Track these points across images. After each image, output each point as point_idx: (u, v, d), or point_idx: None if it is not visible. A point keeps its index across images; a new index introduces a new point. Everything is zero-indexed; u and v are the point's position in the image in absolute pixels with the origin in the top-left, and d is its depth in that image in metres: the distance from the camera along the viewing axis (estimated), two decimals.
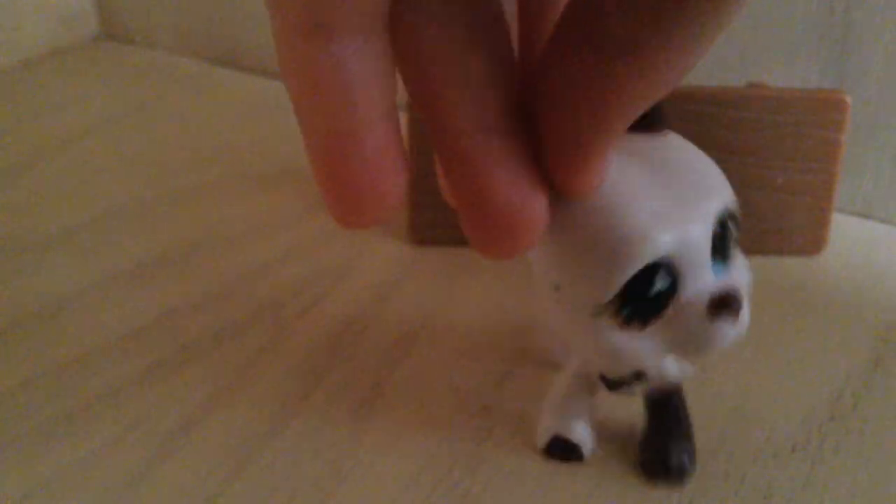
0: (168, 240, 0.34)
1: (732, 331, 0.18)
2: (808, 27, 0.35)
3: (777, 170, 0.32)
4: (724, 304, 0.17)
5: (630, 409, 0.24)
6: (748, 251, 0.33)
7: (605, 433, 0.24)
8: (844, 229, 0.35)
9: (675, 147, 0.19)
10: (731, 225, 0.18)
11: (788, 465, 0.24)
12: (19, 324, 0.29)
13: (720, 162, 0.32)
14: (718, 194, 0.18)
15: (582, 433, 0.23)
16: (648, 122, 0.18)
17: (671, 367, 0.21)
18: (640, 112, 0.15)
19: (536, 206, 0.16)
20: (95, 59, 0.53)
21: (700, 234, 0.17)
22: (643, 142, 0.18)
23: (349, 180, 0.15)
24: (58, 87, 0.49)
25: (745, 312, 0.18)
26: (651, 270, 0.17)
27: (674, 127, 0.32)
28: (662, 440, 0.23)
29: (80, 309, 0.30)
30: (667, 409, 0.22)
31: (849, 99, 0.31)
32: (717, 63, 0.37)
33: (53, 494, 0.23)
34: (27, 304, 0.30)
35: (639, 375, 0.21)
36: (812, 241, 0.33)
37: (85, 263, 0.33)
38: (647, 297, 0.17)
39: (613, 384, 0.21)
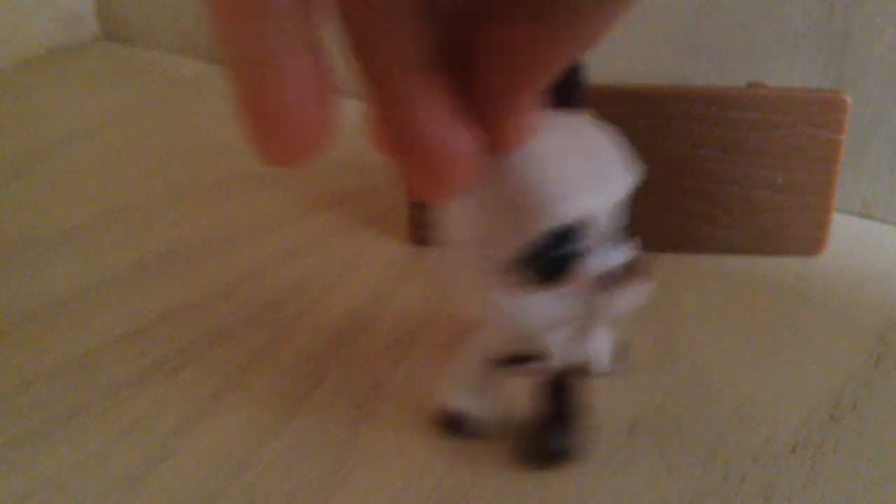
0: (168, 240, 0.34)
1: (637, 294, 0.19)
2: (809, 28, 0.35)
3: (777, 170, 0.32)
4: (630, 269, 0.19)
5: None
6: (748, 251, 0.33)
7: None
8: (844, 229, 0.35)
9: (590, 124, 0.20)
10: (625, 208, 0.19)
11: (788, 464, 0.24)
12: (19, 324, 0.29)
13: (720, 161, 0.32)
14: (625, 177, 0.19)
15: (476, 410, 0.24)
16: (573, 101, 0.19)
17: (564, 352, 0.22)
18: (556, 71, 0.15)
19: (464, 140, 0.16)
20: (95, 60, 0.53)
21: (609, 208, 0.18)
22: (566, 118, 0.19)
23: (271, 111, 0.14)
24: (57, 87, 0.49)
25: (643, 283, 0.19)
26: (562, 232, 0.18)
27: (673, 125, 0.32)
28: (559, 426, 0.23)
29: (80, 309, 0.30)
30: (562, 391, 0.23)
31: (849, 99, 0.31)
32: (718, 63, 0.38)
33: (54, 494, 0.23)
34: (27, 304, 0.30)
35: (527, 357, 0.22)
36: (812, 241, 0.33)
37: (85, 263, 0.33)
38: (555, 257, 0.18)
39: (502, 362, 0.22)
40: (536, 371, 0.22)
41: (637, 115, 0.32)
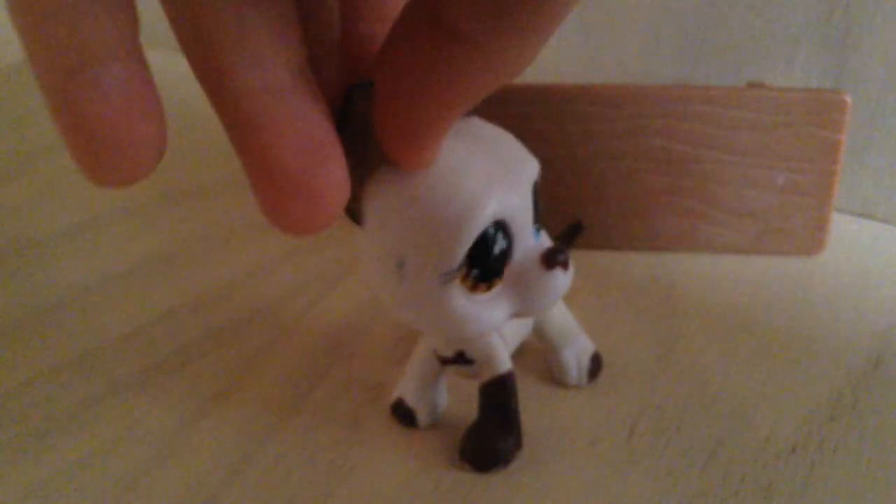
0: (168, 240, 0.34)
1: (566, 282, 0.19)
2: (808, 28, 0.35)
3: (777, 170, 0.32)
4: (555, 257, 0.19)
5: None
6: (748, 251, 0.34)
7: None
8: (844, 229, 0.35)
9: (481, 125, 0.20)
10: (538, 191, 0.20)
11: (788, 464, 0.24)
12: (19, 324, 0.30)
13: (720, 161, 0.32)
14: (530, 165, 0.19)
15: (420, 401, 0.24)
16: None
17: (500, 356, 0.22)
18: (480, 98, 0.15)
19: (334, 170, 0.15)
20: None
21: (523, 199, 0.19)
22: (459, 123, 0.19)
23: (89, 126, 0.13)
24: None
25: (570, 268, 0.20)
26: (491, 232, 0.18)
27: (673, 125, 0.32)
28: (484, 429, 0.23)
29: (80, 309, 0.30)
30: (494, 399, 0.23)
31: (849, 99, 0.31)
32: (718, 63, 0.38)
33: (54, 494, 0.23)
34: (27, 303, 0.31)
35: (460, 356, 0.22)
36: (812, 241, 0.33)
37: (85, 263, 0.33)
38: (490, 257, 0.18)
39: (445, 360, 0.23)
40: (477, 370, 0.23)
41: (637, 115, 0.32)
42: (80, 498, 0.23)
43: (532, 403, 0.26)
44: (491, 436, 0.23)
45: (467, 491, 0.23)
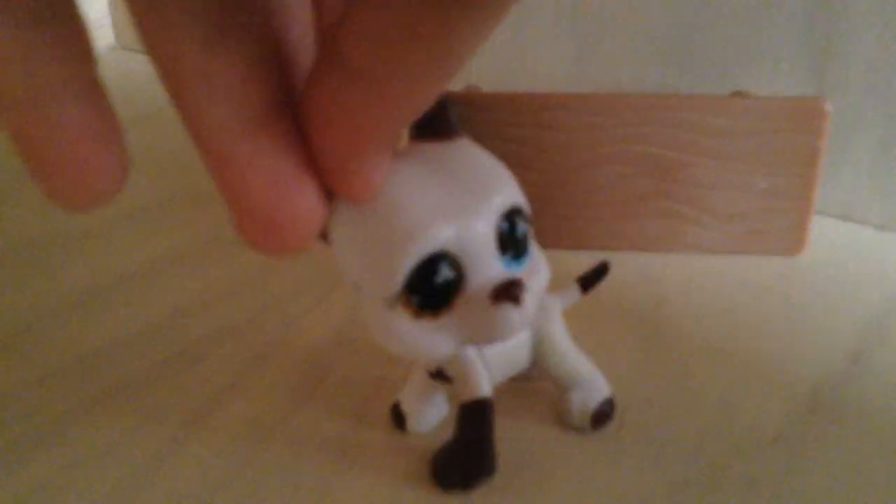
0: (178, 240, 0.35)
1: (515, 316, 0.18)
2: (792, 38, 0.35)
3: (760, 174, 0.33)
4: (504, 292, 0.18)
5: None
6: (732, 251, 0.34)
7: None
8: (824, 230, 0.35)
9: (462, 151, 0.19)
10: (519, 222, 0.19)
11: (771, 455, 0.24)
12: (28, 324, 0.30)
13: (706, 167, 0.33)
14: (501, 193, 0.18)
15: (412, 406, 0.25)
16: (435, 130, 0.19)
17: (478, 380, 0.22)
18: (391, 132, 0.15)
19: (301, 203, 0.15)
20: (110, 68, 0.53)
21: (482, 229, 0.18)
22: (428, 148, 0.19)
23: (43, 158, 0.13)
24: None
25: (530, 301, 0.18)
26: (434, 262, 0.18)
27: (660, 132, 0.32)
28: (454, 450, 0.23)
29: (92, 308, 0.31)
30: (468, 422, 0.22)
31: (829, 107, 0.31)
32: (704, 72, 0.38)
33: (64, 488, 0.23)
34: (36, 304, 0.31)
35: (440, 373, 0.22)
36: (793, 242, 0.34)
37: (94, 264, 0.33)
38: (433, 287, 0.18)
39: (430, 374, 0.23)
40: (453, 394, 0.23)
41: (624, 123, 0.32)
42: (91, 492, 0.23)
43: (530, 398, 0.26)
44: (458, 458, 0.23)
45: None
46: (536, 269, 0.20)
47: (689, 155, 0.33)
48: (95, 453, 0.24)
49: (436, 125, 0.19)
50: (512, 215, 0.19)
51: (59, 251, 0.34)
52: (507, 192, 0.19)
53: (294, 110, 0.15)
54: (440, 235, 0.17)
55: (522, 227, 0.19)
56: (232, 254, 0.34)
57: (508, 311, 0.18)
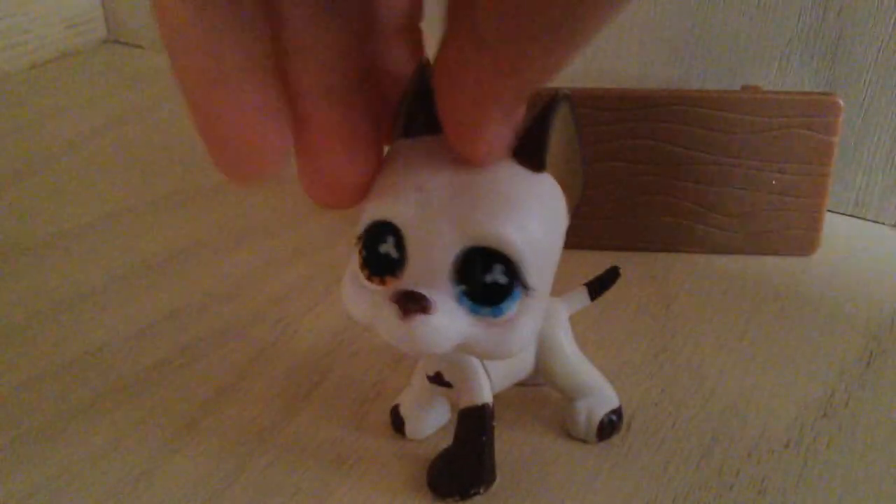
0: (173, 240, 0.35)
1: (400, 330, 0.17)
2: (802, 31, 0.35)
3: (771, 171, 0.32)
4: (399, 298, 0.17)
5: None
6: (743, 251, 0.34)
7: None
8: (837, 229, 0.35)
9: (511, 182, 0.17)
10: (498, 272, 0.17)
11: (782, 460, 0.24)
12: (26, 323, 0.30)
13: (715, 163, 0.33)
14: (502, 227, 0.17)
15: (410, 408, 0.24)
16: (529, 155, 0.18)
17: (478, 386, 0.21)
18: (515, 102, 0.16)
19: (358, 172, 0.17)
20: (102, 63, 0.53)
21: (444, 238, 0.17)
22: (492, 167, 0.18)
23: (223, 133, 0.15)
24: (66, 91, 0.49)
25: (433, 326, 0.17)
26: (386, 230, 0.18)
27: (669, 128, 0.32)
28: (451, 457, 0.23)
29: (87, 308, 0.31)
30: (467, 428, 0.22)
31: (841, 101, 0.31)
32: (713, 67, 0.38)
33: (61, 490, 0.23)
34: (34, 304, 0.31)
35: (438, 377, 0.22)
36: (806, 241, 0.33)
37: (92, 263, 0.33)
38: (372, 251, 0.18)
39: (429, 378, 0.23)
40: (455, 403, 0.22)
41: (633, 118, 0.32)
42: (88, 494, 0.23)
43: (529, 399, 0.26)
44: (455, 466, 0.22)
45: None
46: (502, 331, 0.18)
47: (698, 151, 0.32)
48: (90, 457, 0.24)
49: (530, 150, 0.18)
50: (491, 256, 0.17)
51: (51, 252, 0.34)
52: (507, 231, 0.17)
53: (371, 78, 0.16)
54: (398, 211, 0.17)
55: (498, 277, 0.17)
56: (229, 254, 0.34)
57: (396, 322, 0.17)
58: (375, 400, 0.26)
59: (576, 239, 0.33)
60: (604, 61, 0.40)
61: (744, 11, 0.36)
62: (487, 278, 0.17)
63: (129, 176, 0.40)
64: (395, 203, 0.17)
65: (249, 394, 0.27)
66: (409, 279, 0.18)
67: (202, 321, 0.30)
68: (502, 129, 0.17)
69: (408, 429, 0.24)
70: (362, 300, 0.18)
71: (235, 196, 0.38)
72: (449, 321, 0.17)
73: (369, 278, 0.18)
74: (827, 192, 0.32)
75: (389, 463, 0.24)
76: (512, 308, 0.17)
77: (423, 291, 0.17)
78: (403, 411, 0.25)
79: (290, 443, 0.25)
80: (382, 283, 0.18)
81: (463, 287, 0.17)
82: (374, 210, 0.18)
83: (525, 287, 0.17)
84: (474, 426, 0.22)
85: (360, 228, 0.18)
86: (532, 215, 0.17)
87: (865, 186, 0.36)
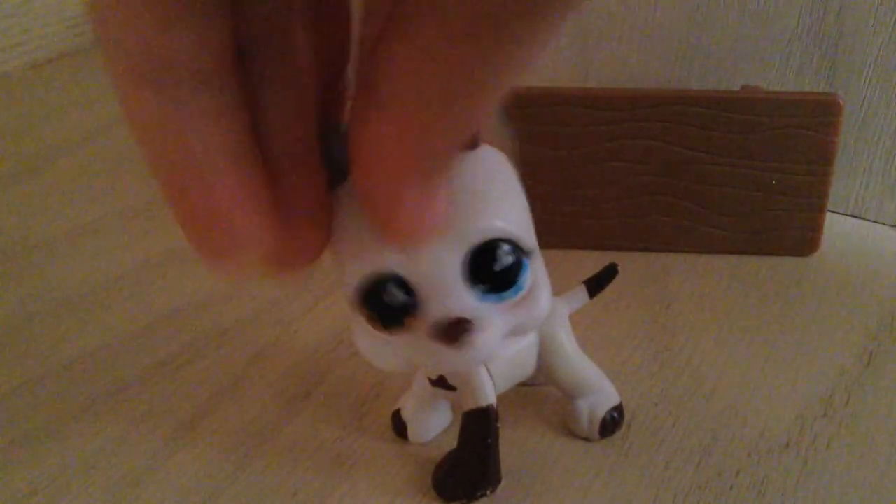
0: (174, 240, 0.35)
1: (455, 357, 0.17)
2: (802, 31, 0.35)
3: (772, 171, 0.32)
4: (443, 332, 0.17)
5: None
6: (743, 251, 0.34)
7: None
8: (837, 229, 0.35)
9: (470, 164, 0.17)
10: (503, 255, 0.17)
11: (782, 460, 0.24)
12: (26, 323, 0.30)
13: (716, 163, 0.33)
14: (481, 220, 0.17)
15: (413, 412, 0.24)
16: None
17: (481, 388, 0.22)
18: (429, 164, 0.14)
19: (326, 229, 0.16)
20: (96, 66, 0.53)
21: (442, 256, 0.17)
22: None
23: (206, 226, 0.14)
24: (65, 90, 0.49)
25: (482, 341, 0.17)
26: (382, 282, 0.17)
27: (669, 128, 0.32)
28: (456, 459, 0.23)
29: (88, 308, 0.31)
30: (471, 431, 0.22)
31: (842, 101, 0.31)
32: (713, 67, 0.38)
33: (62, 488, 0.23)
34: (36, 302, 0.31)
35: (441, 381, 0.22)
36: (805, 241, 0.33)
37: (92, 263, 0.33)
38: (382, 305, 0.17)
39: (431, 381, 0.22)
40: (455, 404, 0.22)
41: (633, 118, 0.32)
42: (88, 492, 0.23)
43: (527, 400, 0.26)
44: (461, 468, 0.22)
45: None
46: (528, 304, 0.18)
47: (698, 151, 0.32)
48: (90, 457, 0.24)
49: None
50: (493, 246, 0.17)
51: (51, 252, 0.34)
52: (492, 220, 0.17)
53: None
54: (384, 259, 0.17)
55: (507, 259, 0.17)
56: None
57: (449, 352, 0.17)
58: (375, 400, 0.26)
59: (576, 239, 0.34)
60: (605, 62, 0.40)
61: (744, 12, 0.36)
62: (498, 266, 0.17)
63: (128, 176, 0.40)
64: (380, 251, 0.17)
65: (249, 394, 0.26)
66: (431, 310, 0.17)
67: (202, 321, 0.30)
68: (423, 202, 0.15)
69: (410, 433, 0.24)
70: (388, 352, 0.18)
71: None
72: (489, 325, 0.17)
73: (387, 330, 0.18)
74: (827, 192, 0.32)
75: (389, 463, 0.24)
76: (528, 277, 0.18)
77: (457, 314, 0.17)
78: (405, 415, 0.24)
79: (289, 443, 0.25)
80: (402, 327, 0.18)
81: (481, 286, 0.17)
82: (362, 265, 0.17)
83: (527, 252, 0.18)
84: (479, 428, 0.22)
85: (349, 291, 0.17)
86: (502, 192, 0.18)
87: (865, 186, 0.36)
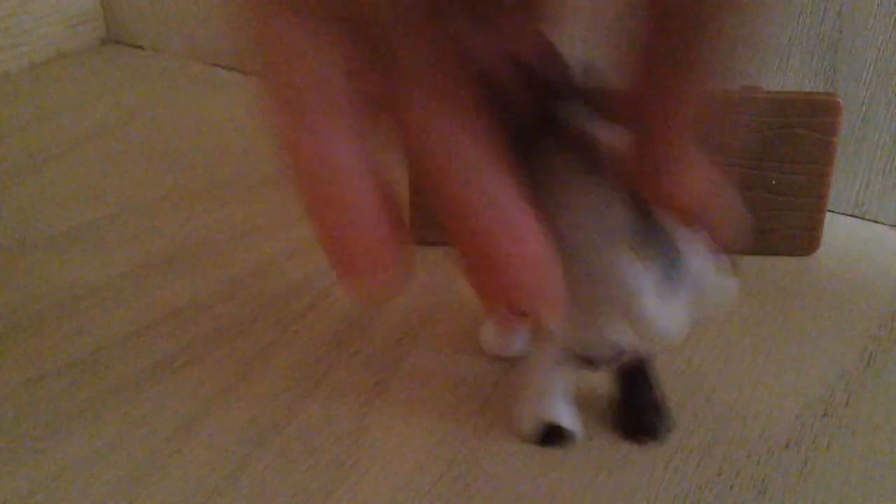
0: (173, 239, 0.35)
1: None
2: (801, 31, 0.35)
3: (772, 171, 0.32)
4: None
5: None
6: (743, 251, 0.34)
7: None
8: (837, 229, 0.35)
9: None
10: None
11: (782, 460, 0.24)
12: (27, 322, 0.30)
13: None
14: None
15: (571, 417, 0.24)
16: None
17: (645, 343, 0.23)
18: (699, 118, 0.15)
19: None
20: (102, 63, 0.53)
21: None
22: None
23: (354, 261, 0.16)
24: (65, 90, 0.49)
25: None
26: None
27: None
28: (642, 405, 0.24)
29: (88, 308, 0.31)
30: (641, 378, 0.24)
31: (842, 101, 0.31)
32: None
33: (61, 490, 0.23)
34: (35, 302, 0.31)
35: (621, 353, 0.22)
36: (806, 241, 0.33)
37: (92, 263, 0.33)
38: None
39: (598, 363, 0.22)
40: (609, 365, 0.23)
41: None
42: (89, 493, 0.23)
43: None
44: (653, 406, 0.25)
45: (469, 484, 0.23)
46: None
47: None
48: (90, 457, 0.24)
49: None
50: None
51: (51, 251, 0.34)
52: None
53: None
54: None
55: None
56: (227, 254, 0.34)
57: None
58: (375, 400, 0.26)
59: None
60: (604, 62, 0.40)
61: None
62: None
63: (128, 176, 0.40)
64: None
65: (249, 394, 0.26)
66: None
67: (202, 321, 0.30)
68: (700, 165, 0.16)
69: (578, 433, 0.25)
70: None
71: (235, 196, 0.38)
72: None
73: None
74: (827, 192, 0.32)
75: (388, 464, 0.24)
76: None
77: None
78: (567, 422, 0.24)
79: (290, 443, 0.25)
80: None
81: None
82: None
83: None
84: (649, 370, 0.24)
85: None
86: None
87: (865, 186, 0.36)
